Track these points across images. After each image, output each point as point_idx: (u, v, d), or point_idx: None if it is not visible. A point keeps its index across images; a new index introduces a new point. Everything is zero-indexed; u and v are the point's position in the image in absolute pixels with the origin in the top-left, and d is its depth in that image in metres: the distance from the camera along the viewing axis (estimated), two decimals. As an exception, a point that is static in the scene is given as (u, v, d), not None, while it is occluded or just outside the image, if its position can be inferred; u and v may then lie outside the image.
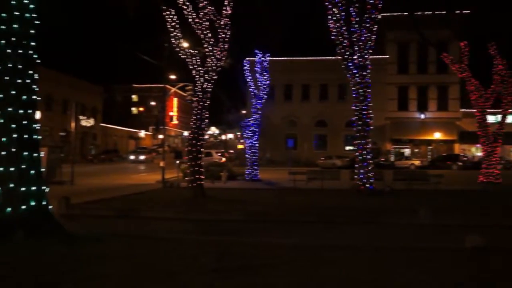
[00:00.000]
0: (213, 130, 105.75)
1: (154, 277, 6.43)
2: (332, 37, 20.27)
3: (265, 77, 28.46)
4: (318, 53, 50.85)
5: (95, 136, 70.02)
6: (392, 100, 49.87)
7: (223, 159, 41.25)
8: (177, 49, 18.73)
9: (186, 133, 74.75)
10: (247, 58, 30.29)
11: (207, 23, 18.47)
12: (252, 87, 28.60)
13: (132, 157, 57.71)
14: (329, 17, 20.01)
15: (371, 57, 20.48)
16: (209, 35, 18.52)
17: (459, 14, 28.12)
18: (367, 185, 19.58)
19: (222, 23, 18.75)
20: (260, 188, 22.97)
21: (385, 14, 37.03)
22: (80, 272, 6.66)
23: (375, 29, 19.90)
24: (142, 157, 56.74)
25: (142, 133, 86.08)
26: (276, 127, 51.11)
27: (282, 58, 50.25)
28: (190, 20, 18.26)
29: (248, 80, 28.74)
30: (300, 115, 52.86)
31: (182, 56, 18.74)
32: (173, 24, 18.48)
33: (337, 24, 19.91)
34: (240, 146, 64.98)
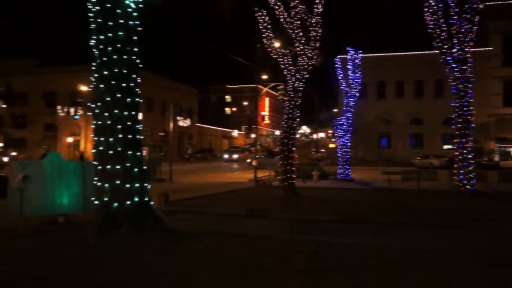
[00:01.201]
0: (304, 129, 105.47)
1: (249, 274, 6.55)
2: (429, 30, 19.27)
3: (358, 75, 27.82)
4: (413, 47, 48.74)
5: (191, 136, 73.14)
6: (497, 95, 46.14)
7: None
8: (269, 49, 18.95)
9: (277, 132, 75.42)
10: (339, 56, 29.82)
11: (299, 22, 18.47)
12: (344, 85, 28.10)
13: (226, 156, 59.40)
14: (426, 9, 19.05)
15: (472, 49, 19.16)
16: (301, 34, 18.51)
17: None
18: (468, 187, 18.36)
19: (313, 21, 18.65)
20: (353, 188, 22.50)
21: (487, 3, 34.47)
22: (180, 265, 6.99)
23: (476, 19, 18.57)
24: (235, 156, 58.20)
25: (235, 133, 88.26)
26: (369, 125, 49.73)
27: (375, 54, 48.80)
28: (281, 20, 18.39)
29: (339, 78, 28.28)
30: (394, 113, 50.98)
31: (273, 56, 18.94)
32: (265, 24, 18.73)
33: (434, 16, 18.88)
34: (331, 145, 64.14)
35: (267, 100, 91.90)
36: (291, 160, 18.55)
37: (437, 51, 19.49)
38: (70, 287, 5.96)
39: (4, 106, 62.55)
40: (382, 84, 52.02)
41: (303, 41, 18.52)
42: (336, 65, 28.51)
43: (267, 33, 18.78)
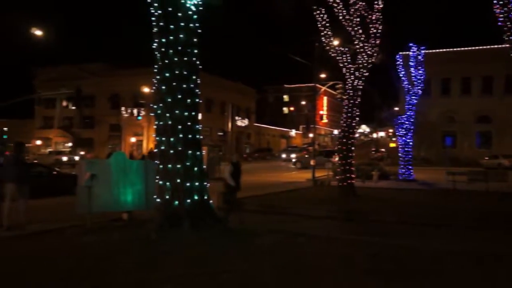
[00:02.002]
0: (364, 128, 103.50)
1: (308, 274, 6.50)
2: (499, 23, 18.24)
3: (420, 71, 26.86)
4: (480, 42, 46.43)
5: (249, 136, 73.76)
6: None
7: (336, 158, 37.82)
8: (328, 47, 18.71)
9: (336, 132, 74.51)
10: (400, 53, 28.90)
11: (358, 19, 18.10)
12: (406, 83, 27.22)
13: (283, 155, 59.40)
14: (495, 1, 18.05)
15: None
16: (360, 31, 18.14)
17: None
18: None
19: (373, 18, 18.21)
20: (414, 189, 21.74)
21: None
22: (239, 263, 7.05)
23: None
24: (293, 156, 58.05)
25: (293, 132, 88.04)
26: (432, 124, 47.85)
27: (439, 50, 46.96)
28: (340, 17, 18.10)
29: (401, 75, 27.42)
30: (459, 111, 48.80)
31: (332, 55, 18.68)
32: (324, 23, 18.50)
33: (505, 8, 17.85)
34: (392, 145, 62.48)
35: (325, 99, 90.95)
36: (350, 159, 18.23)
37: (508, 45, 18.42)
38: (133, 281, 6.15)
39: (73, 107, 66.07)
40: (447, 81, 49.96)
41: (362, 39, 18.14)
42: (398, 62, 27.67)
43: (326, 32, 18.55)
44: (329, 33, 18.58)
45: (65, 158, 49.92)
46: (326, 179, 24.97)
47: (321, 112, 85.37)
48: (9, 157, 11.11)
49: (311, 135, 50.72)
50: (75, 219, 10.65)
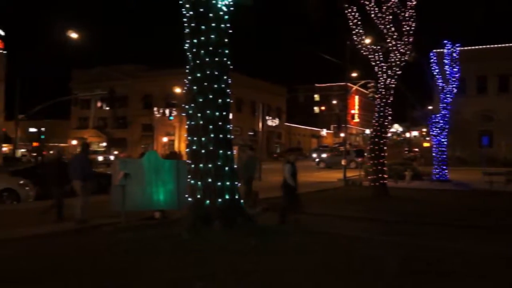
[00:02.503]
0: (396, 127, 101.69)
1: (338, 275, 6.45)
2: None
3: (455, 69, 26.22)
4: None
5: (279, 135, 73.71)
6: None
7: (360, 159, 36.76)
8: (359, 46, 18.50)
9: (368, 131, 73.57)
10: (434, 50, 28.28)
11: (390, 17, 17.84)
12: (440, 81, 26.61)
13: (314, 155, 59.03)
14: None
15: None
16: (392, 29, 17.86)
17: None
18: None
19: (406, 15, 17.91)
20: (449, 189, 21.25)
21: None
22: (269, 263, 7.06)
23: None
24: (324, 155, 57.63)
25: (324, 132, 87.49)
26: (468, 123, 46.55)
27: (475, 47, 45.71)
28: (372, 15, 17.87)
29: (435, 73, 26.83)
30: (497, 109, 47.33)
31: (364, 53, 18.46)
32: (355, 21, 18.29)
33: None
34: (426, 144, 61.15)
35: (356, 98, 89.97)
36: (382, 159, 17.98)
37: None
38: (167, 278, 6.25)
39: (107, 108, 67.53)
40: (483, 79, 48.53)
41: (395, 36, 17.86)
42: (432, 60, 27.08)
43: (357, 30, 18.33)
44: (360, 31, 18.36)
45: (100, 158, 51.16)
46: (357, 179, 24.70)
47: (352, 111, 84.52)
48: (77, 156, 11.68)
49: (342, 134, 50.26)
50: (110, 217, 10.89)
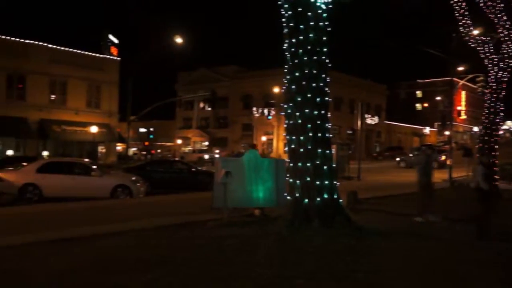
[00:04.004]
0: (509, 124, 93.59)
1: (440, 279, 6.20)
2: None
3: None
4: None
5: (379, 134, 71.56)
6: None
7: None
8: (466, 37, 17.39)
9: (476, 129, 68.78)
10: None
11: (502, 5, 16.52)
12: None
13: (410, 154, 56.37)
14: None
15: None
16: (504, 17, 16.53)
17: None
18: None
19: (520, 2, 16.50)
20: None
21: None
22: (368, 263, 6.95)
23: None
24: (411, 155, 54.81)
25: (427, 130, 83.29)
26: None
27: None
28: (481, 4, 16.70)
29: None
30: None
31: (472, 45, 17.33)
32: (462, 11, 17.23)
33: None
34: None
35: (463, 93, 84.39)
36: (493, 159, 16.74)
37: None
38: (268, 274, 6.40)
39: (209, 109, 70.50)
40: None
41: (507, 26, 16.51)
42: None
43: (464, 21, 17.25)
44: (468, 22, 17.26)
45: (206, 156, 53.60)
46: (464, 180, 23.23)
47: (458, 108, 79.54)
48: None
49: (447, 132, 47.48)
50: (212, 213, 11.39)
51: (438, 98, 79.86)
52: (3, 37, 37.02)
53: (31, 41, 38.89)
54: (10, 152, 36.87)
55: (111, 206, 14.54)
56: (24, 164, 19.37)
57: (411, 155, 43.71)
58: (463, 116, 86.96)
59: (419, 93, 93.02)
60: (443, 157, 38.57)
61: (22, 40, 38.35)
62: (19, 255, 7.49)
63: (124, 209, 13.85)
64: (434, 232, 9.99)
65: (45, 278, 6.19)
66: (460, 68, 38.71)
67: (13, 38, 37.81)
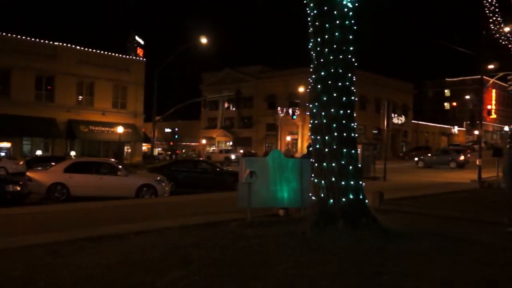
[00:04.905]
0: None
1: (470, 282, 6.03)
2: None
3: None
4: None
5: (406, 133, 70.62)
6: None
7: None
8: (497, 35, 16.96)
9: (507, 128, 67.08)
10: None
11: (535, 1, 16.06)
12: None
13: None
14: None
15: None
16: (537, 14, 16.06)
17: None
18: None
19: (554, -2, 15.99)
20: None
21: None
22: (395, 265, 6.82)
23: None
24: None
25: (455, 129, 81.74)
26: None
27: None
28: (512, 1, 16.26)
29: None
30: None
31: (503, 42, 16.89)
32: (492, 8, 16.81)
33: None
34: None
35: (494, 92, 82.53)
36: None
37: None
38: (292, 274, 6.35)
39: (233, 109, 70.78)
40: None
41: (540, 22, 16.04)
42: None
43: (495, 17, 16.82)
44: (499, 19, 16.83)
45: (233, 156, 53.81)
46: (495, 181, 22.65)
47: (488, 107, 77.60)
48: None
49: (476, 132, 46.43)
50: (237, 213, 11.40)
51: (467, 96, 78.25)
52: (33, 39, 37.94)
53: (60, 43, 39.74)
54: (39, 152, 37.79)
55: (136, 205, 14.72)
56: (53, 164, 19.81)
57: (429, 154, 43.62)
58: (493, 115, 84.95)
59: (447, 92, 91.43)
60: (462, 157, 38.12)
61: (51, 42, 39.23)
62: (50, 253, 7.62)
63: (149, 208, 13.99)
64: (472, 235, 9.70)
65: (75, 276, 6.29)
66: (490, 66, 37.85)
67: (42, 40, 38.73)
